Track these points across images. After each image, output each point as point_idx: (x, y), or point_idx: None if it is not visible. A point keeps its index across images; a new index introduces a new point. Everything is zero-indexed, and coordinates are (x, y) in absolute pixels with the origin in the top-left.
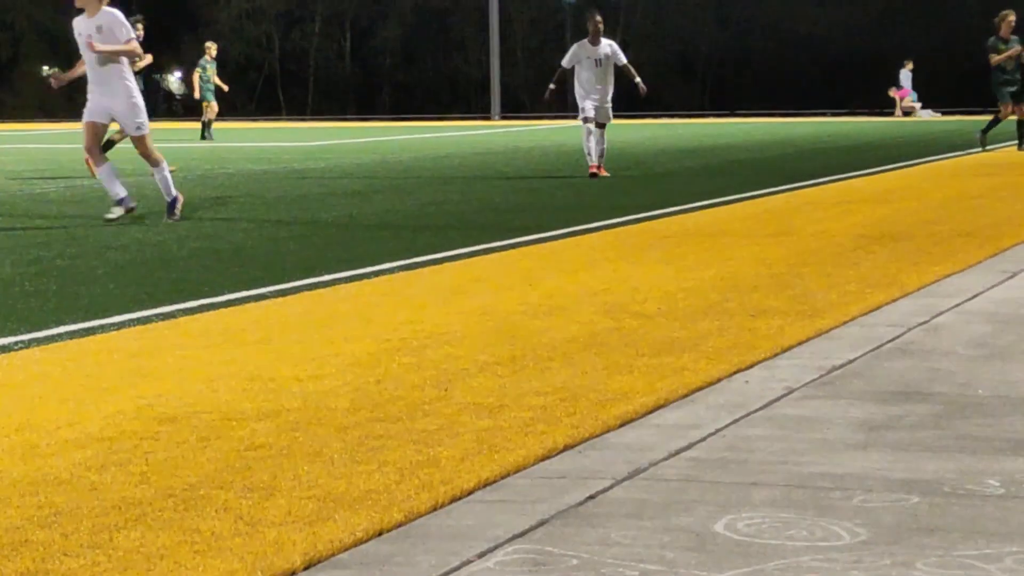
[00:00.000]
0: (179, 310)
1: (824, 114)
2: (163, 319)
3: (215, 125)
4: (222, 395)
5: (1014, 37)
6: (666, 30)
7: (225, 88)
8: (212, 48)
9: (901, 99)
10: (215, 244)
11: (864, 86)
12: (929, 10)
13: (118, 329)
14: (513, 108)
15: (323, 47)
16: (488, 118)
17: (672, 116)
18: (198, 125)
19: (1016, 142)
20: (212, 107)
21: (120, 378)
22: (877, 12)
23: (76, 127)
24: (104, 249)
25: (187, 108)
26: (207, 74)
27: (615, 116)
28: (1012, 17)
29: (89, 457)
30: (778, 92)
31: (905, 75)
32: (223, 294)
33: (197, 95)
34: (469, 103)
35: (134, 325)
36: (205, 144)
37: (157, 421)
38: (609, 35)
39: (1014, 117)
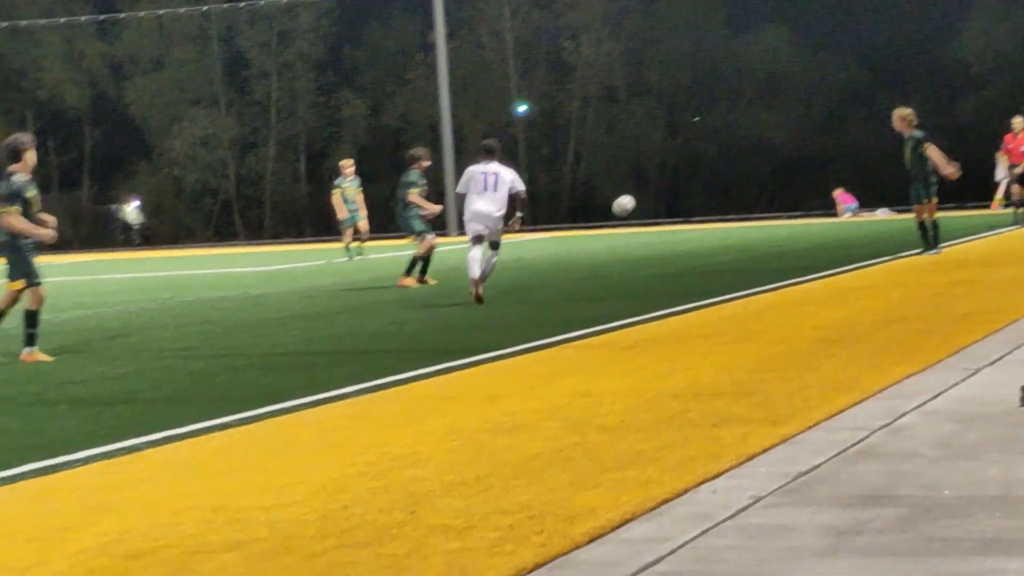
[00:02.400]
0: (143, 443)
1: (778, 217)
2: (127, 453)
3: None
4: (188, 528)
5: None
6: (617, 140)
7: (364, 212)
8: (347, 165)
9: (843, 203)
10: (175, 375)
11: (815, 187)
12: (875, 110)
13: (82, 465)
14: None
15: (278, 170)
16: (446, 235)
17: (627, 225)
18: (155, 253)
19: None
20: (359, 226)
21: (84, 515)
22: (825, 114)
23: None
24: (65, 384)
25: (145, 238)
26: (348, 193)
27: (569, 227)
28: (902, 112)
29: None
30: (730, 197)
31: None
32: (186, 425)
33: (341, 215)
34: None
35: (97, 460)
36: (347, 262)
37: (123, 557)
38: (563, 147)
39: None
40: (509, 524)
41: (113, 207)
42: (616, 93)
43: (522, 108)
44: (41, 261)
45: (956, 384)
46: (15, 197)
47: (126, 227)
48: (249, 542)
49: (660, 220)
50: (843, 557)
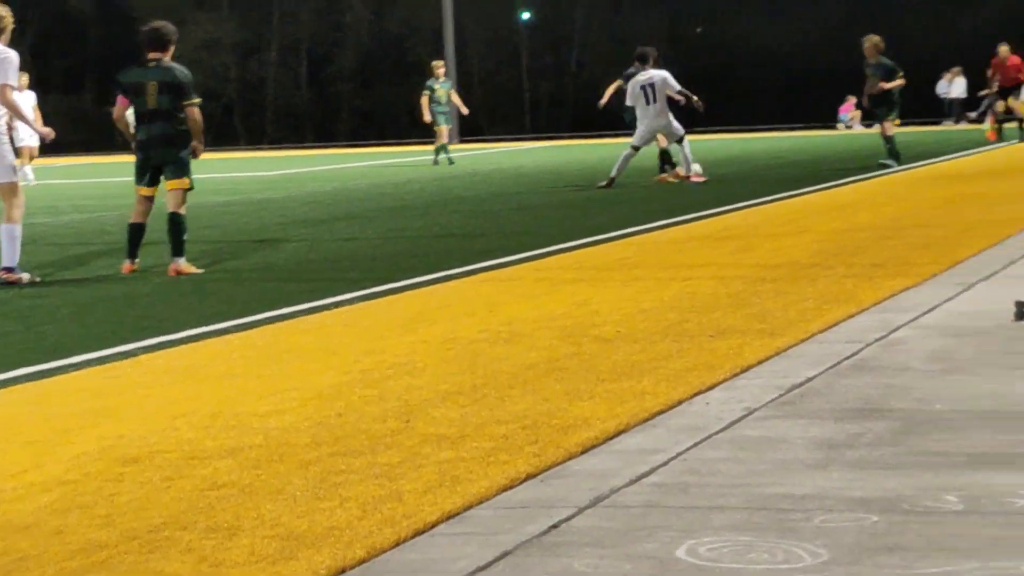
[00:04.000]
0: (142, 348)
1: (779, 129)
2: (126, 357)
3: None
4: (184, 433)
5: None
6: (619, 51)
7: (464, 110)
8: (438, 67)
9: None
10: (177, 279)
11: (820, 101)
12: (882, 23)
13: (81, 369)
14: (471, 132)
15: (280, 75)
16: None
17: (630, 134)
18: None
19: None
20: (442, 131)
21: (83, 419)
22: (833, 26)
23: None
24: (68, 287)
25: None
26: (437, 95)
27: (570, 136)
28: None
29: (53, 500)
30: (732, 109)
31: (956, 83)
32: (185, 330)
33: (427, 118)
34: (427, 128)
35: (97, 364)
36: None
37: (120, 462)
38: (566, 55)
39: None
40: (503, 434)
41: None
42: (620, 2)
43: (526, 15)
44: (39, 163)
45: (951, 299)
46: None
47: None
48: (244, 448)
49: None
50: (835, 470)
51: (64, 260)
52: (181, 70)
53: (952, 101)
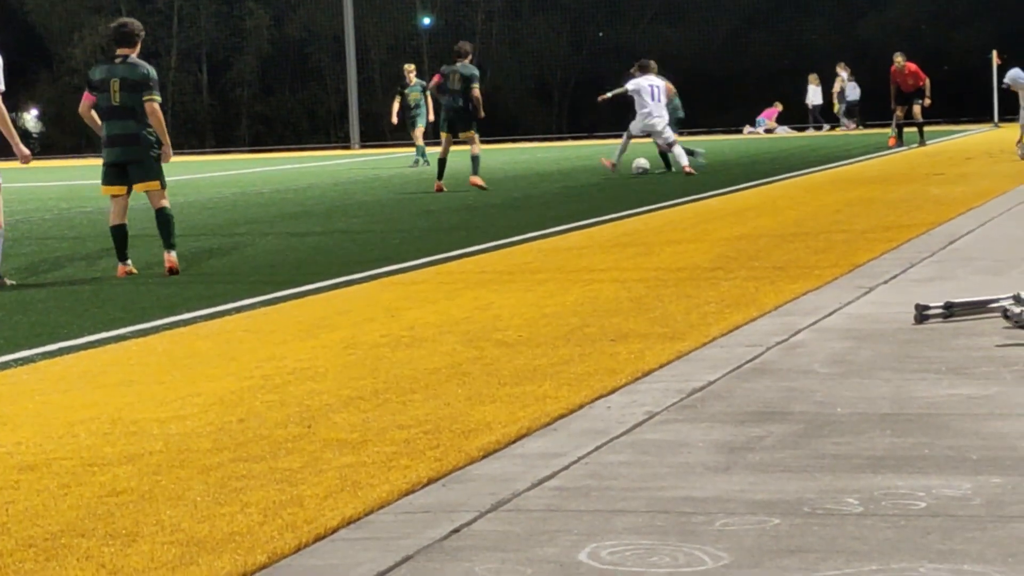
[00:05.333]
0: (38, 354)
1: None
2: (22, 364)
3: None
4: (83, 440)
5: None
6: (522, 55)
7: (431, 116)
8: (410, 71)
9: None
10: (73, 286)
11: (718, 106)
12: (778, 30)
13: None
14: (372, 136)
15: (179, 80)
16: (348, 147)
17: (531, 140)
18: (54, 163)
19: None
20: (417, 133)
21: None
22: (727, 32)
23: None
24: None
25: (44, 146)
26: (409, 98)
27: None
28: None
29: None
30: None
31: (813, 91)
32: (82, 336)
33: (395, 121)
34: (328, 133)
35: None
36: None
37: (17, 469)
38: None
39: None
40: (404, 439)
41: (12, 116)
42: (520, 7)
43: (426, 20)
44: None
45: (851, 302)
46: None
47: (25, 136)
48: (144, 455)
49: (563, 135)
50: (736, 473)
51: None
52: (145, 66)
53: (814, 108)
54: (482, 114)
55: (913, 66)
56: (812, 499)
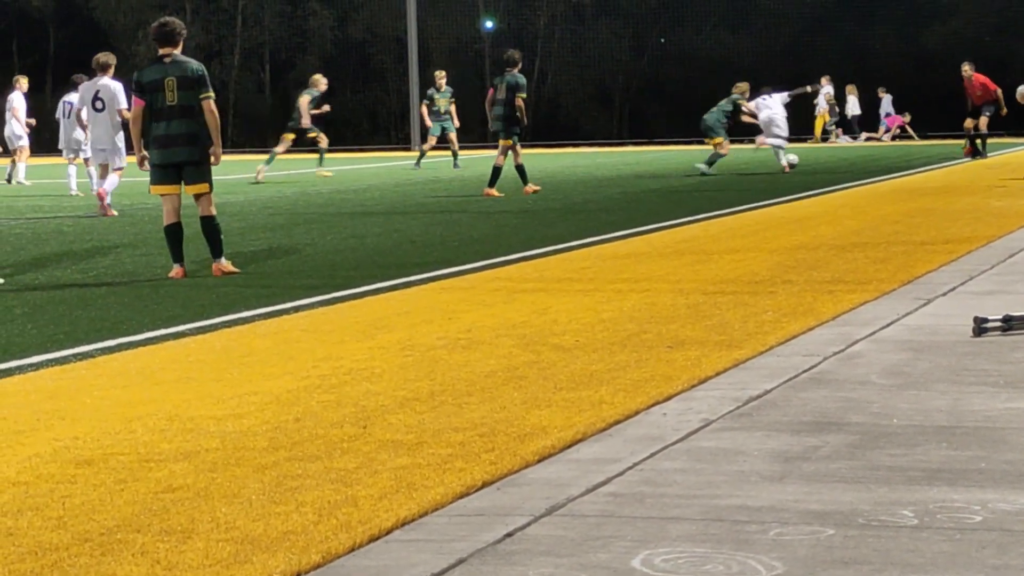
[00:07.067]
0: (97, 349)
1: (741, 140)
2: (81, 359)
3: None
4: (140, 436)
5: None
6: (583, 59)
7: (457, 123)
8: (440, 77)
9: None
10: (134, 282)
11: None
12: (841, 37)
13: (36, 370)
14: None
15: (242, 79)
16: (408, 148)
17: (591, 144)
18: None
19: None
20: (431, 140)
21: (37, 420)
22: (789, 39)
23: None
24: (22, 288)
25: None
26: (437, 104)
27: (531, 145)
28: None
29: (5, 502)
30: (694, 119)
31: (852, 101)
32: (141, 332)
33: (429, 124)
34: (389, 134)
35: (52, 365)
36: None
37: (74, 464)
38: (529, 64)
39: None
40: (460, 441)
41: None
42: (583, 11)
43: (489, 24)
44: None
45: (909, 313)
46: None
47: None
48: (200, 452)
49: (623, 141)
50: (791, 483)
51: (20, 261)
52: (195, 63)
53: (853, 118)
54: (525, 122)
55: (981, 77)
56: (867, 511)
